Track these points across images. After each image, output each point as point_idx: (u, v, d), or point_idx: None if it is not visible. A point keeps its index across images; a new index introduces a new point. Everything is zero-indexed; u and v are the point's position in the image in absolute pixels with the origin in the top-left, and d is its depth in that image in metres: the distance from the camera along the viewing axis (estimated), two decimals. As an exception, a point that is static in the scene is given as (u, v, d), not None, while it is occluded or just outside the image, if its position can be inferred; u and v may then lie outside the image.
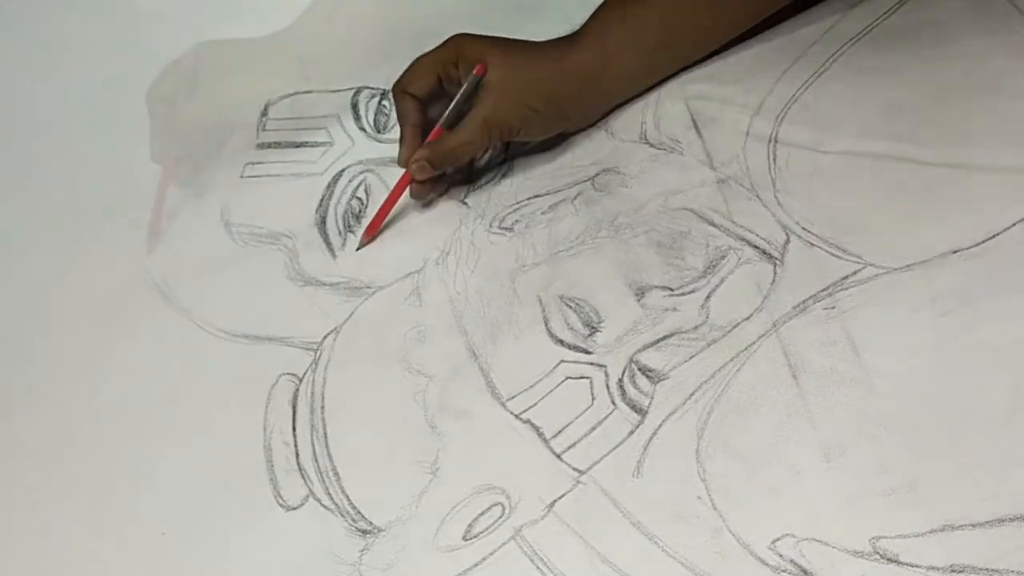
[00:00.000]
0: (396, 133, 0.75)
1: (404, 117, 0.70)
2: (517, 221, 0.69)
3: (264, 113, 0.80)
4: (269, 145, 0.78)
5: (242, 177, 0.76)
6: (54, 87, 0.87)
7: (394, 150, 0.72)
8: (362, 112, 0.78)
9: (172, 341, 0.68)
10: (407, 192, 0.71)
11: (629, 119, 0.72)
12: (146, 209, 0.76)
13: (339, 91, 0.80)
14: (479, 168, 0.73)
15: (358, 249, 0.70)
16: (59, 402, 0.66)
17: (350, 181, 0.74)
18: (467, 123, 0.68)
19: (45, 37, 0.91)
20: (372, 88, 0.79)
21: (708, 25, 0.71)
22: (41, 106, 0.86)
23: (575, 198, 0.69)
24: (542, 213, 0.69)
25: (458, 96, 0.68)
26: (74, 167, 0.80)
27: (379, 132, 0.77)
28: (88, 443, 0.64)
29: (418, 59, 0.71)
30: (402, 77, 0.71)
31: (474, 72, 0.68)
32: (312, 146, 0.76)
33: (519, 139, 0.70)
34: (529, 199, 0.70)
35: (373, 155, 0.75)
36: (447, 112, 0.69)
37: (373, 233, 0.70)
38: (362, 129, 0.77)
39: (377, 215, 0.70)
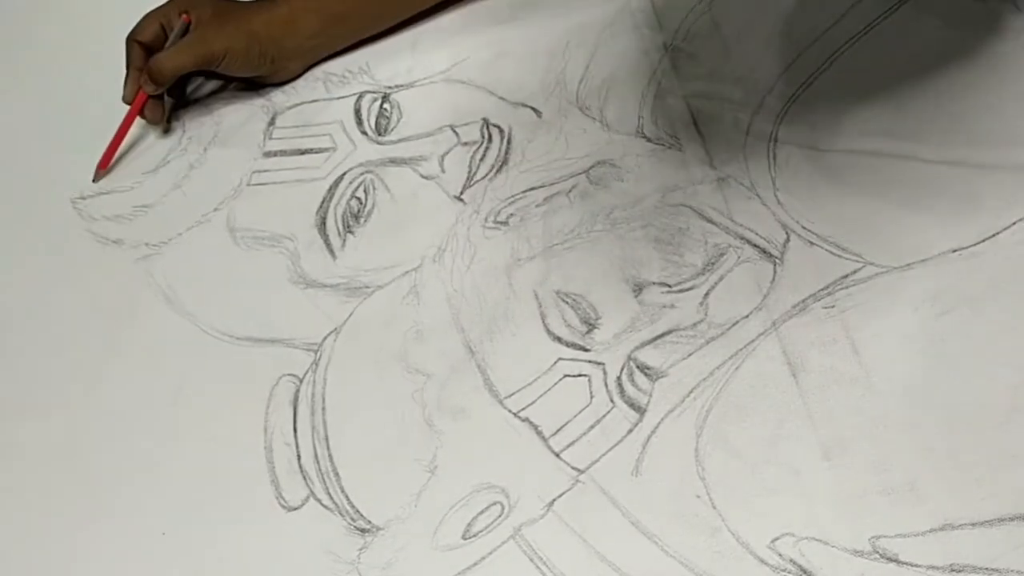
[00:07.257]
0: (397, 135, 0.75)
1: (131, 62, 0.78)
2: (512, 215, 0.69)
3: (271, 123, 0.80)
4: (275, 153, 0.78)
5: (249, 185, 0.76)
6: (54, 86, 0.87)
7: (395, 152, 0.74)
8: (364, 116, 0.78)
9: (175, 344, 0.68)
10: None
11: (625, 112, 0.72)
12: (149, 211, 0.76)
13: (342, 97, 0.80)
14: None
15: (94, 181, 0.78)
16: (62, 404, 0.66)
17: (350, 183, 0.74)
18: (179, 45, 0.77)
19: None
20: (373, 92, 0.79)
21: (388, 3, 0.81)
22: (41, 104, 0.86)
23: (570, 191, 0.69)
24: (537, 206, 0.69)
25: (171, 38, 0.78)
26: (77, 167, 0.80)
27: (380, 135, 0.77)
28: (91, 444, 0.64)
29: (147, 13, 0.79)
30: (133, 28, 0.79)
31: (182, 20, 0.78)
32: (316, 152, 0.77)
33: (223, 68, 0.78)
34: (524, 192, 0.70)
35: (374, 157, 0.75)
36: (165, 48, 0.78)
37: (107, 164, 0.78)
38: (364, 133, 0.77)
39: (110, 145, 0.78)
